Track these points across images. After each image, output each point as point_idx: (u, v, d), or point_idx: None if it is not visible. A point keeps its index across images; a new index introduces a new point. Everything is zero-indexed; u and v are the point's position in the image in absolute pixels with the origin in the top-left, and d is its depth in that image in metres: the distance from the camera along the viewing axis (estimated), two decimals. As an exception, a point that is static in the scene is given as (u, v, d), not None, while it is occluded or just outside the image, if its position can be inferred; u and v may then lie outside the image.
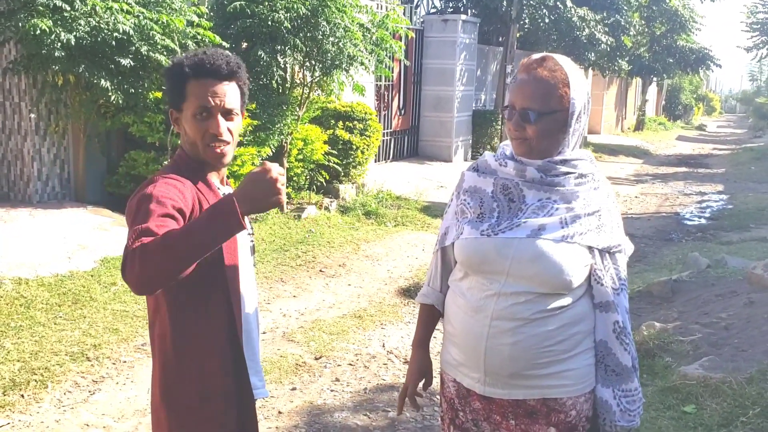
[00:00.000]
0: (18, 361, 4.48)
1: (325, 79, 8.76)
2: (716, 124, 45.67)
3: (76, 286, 5.69)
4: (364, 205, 9.79)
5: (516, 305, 1.98)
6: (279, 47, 8.11)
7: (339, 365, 4.95)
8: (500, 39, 17.93)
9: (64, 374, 4.42)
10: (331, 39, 8.21)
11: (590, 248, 2.01)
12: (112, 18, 6.73)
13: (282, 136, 8.53)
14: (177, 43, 7.25)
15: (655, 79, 30.76)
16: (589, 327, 2.05)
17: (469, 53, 15.68)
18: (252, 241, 2.22)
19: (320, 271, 7.07)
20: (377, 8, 11.56)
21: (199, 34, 7.49)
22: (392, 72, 11.03)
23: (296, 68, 8.81)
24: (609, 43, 18.87)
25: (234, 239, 2.04)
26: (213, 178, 2.10)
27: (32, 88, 7.45)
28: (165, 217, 1.79)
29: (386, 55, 9.30)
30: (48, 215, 7.13)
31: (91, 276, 5.87)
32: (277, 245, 7.62)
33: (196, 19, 7.54)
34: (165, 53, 7.14)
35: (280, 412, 4.21)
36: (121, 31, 6.74)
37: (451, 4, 17.51)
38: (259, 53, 7.91)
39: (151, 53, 7.06)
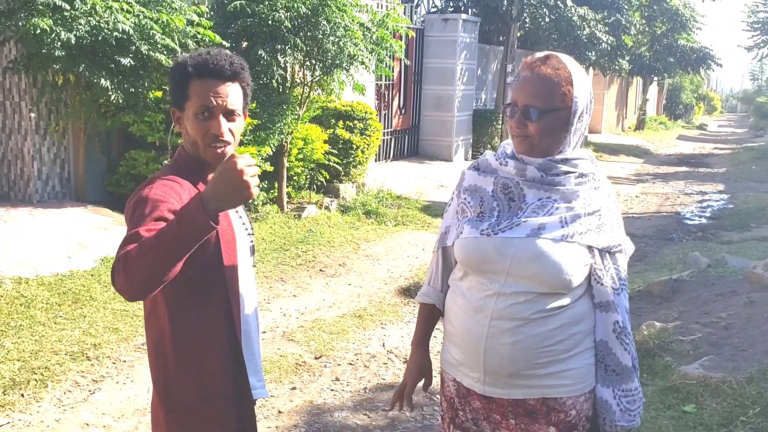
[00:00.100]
0: (18, 360, 4.49)
1: (325, 78, 8.76)
2: (717, 123, 45.64)
3: (76, 285, 5.69)
4: (365, 205, 9.79)
5: (516, 305, 1.98)
6: (279, 46, 8.10)
7: (339, 365, 4.94)
8: (501, 38, 17.92)
9: (64, 373, 4.42)
10: (331, 38, 8.20)
11: (590, 248, 2.01)
12: (112, 17, 6.73)
13: (282, 136, 8.53)
14: (177, 42, 7.25)
15: (655, 78, 30.73)
16: (589, 327, 2.04)
17: (470, 52, 15.68)
18: (252, 241, 2.21)
19: (320, 270, 7.06)
20: (377, 7, 11.55)
21: (199, 33, 7.49)
22: (392, 71, 11.02)
23: (296, 67, 8.81)
24: (609, 42, 18.85)
25: (233, 240, 2.04)
26: (213, 177, 2.09)
27: (32, 88, 7.45)
28: (159, 221, 1.80)
29: (386, 55, 9.29)
30: (48, 215, 7.13)
31: (92, 275, 5.87)
32: (277, 245, 7.62)
33: (196, 18, 7.54)
34: (165, 52, 7.14)
35: (280, 412, 4.21)
36: (121, 30, 6.74)
37: (451, 4, 17.50)
38: (260, 52, 7.91)
39: (151, 52, 7.06)
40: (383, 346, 5.34)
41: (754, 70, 54.81)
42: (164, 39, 7.07)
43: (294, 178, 9.41)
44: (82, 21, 6.67)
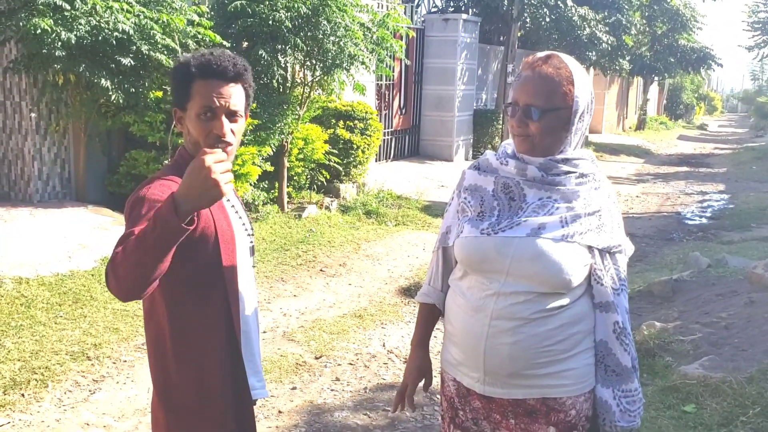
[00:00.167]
0: (18, 360, 4.49)
1: (325, 78, 8.76)
2: (718, 123, 45.63)
3: (76, 285, 5.69)
4: (365, 205, 9.79)
5: (515, 305, 1.98)
6: (280, 46, 8.10)
7: (339, 365, 4.95)
8: (501, 38, 17.92)
9: (65, 373, 4.42)
10: (331, 38, 8.20)
11: (590, 248, 2.01)
12: (113, 17, 6.73)
13: (283, 136, 8.53)
14: (177, 42, 7.25)
15: (656, 78, 30.72)
16: (589, 327, 2.04)
17: (470, 52, 15.68)
18: (252, 242, 2.21)
19: (321, 270, 7.07)
20: (378, 7, 11.56)
21: (199, 33, 7.49)
22: (393, 71, 11.03)
23: (297, 67, 8.81)
24: (610, 42, 18.85)
25: (232, 240, 2.04)
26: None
27: (33, 88, 7.45)
28: None
29: (387, 55, 9.29)
30: (48, 215, 7.13)
31: (92, 275, 5.87)
32: (277, 244, 7.62)
33: (196, 18, 7.54)
34: (165, 53, 7.15)
35: (280, 412, 4.21)
36: (121, 30, 6.74)
37: (452, 4, 17.50)
38: (260, 52, 7.91)
39: (151, 53, 7.06)
40: (383, 346, 5.34)
41: (755, 70, 54.79)
42: (164, 39, 7.07)
43: (294, 178, 9.42)
44: (83, 21, 6.68)
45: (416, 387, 2.30)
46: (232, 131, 2.03)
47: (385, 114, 13.84)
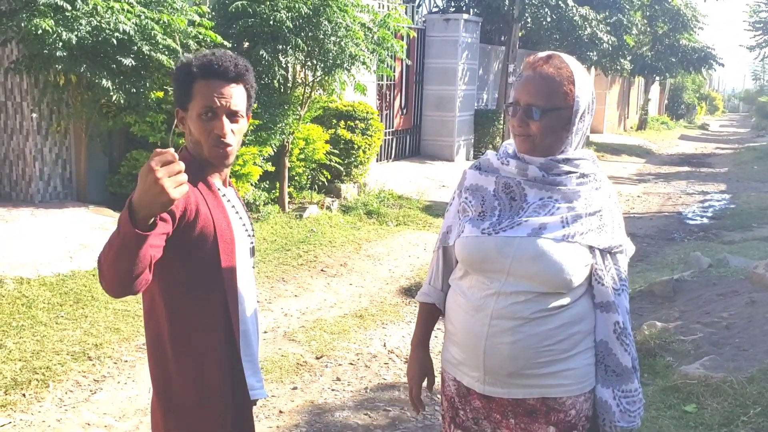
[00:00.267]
0: (20, 360, 4.49)
1: (326, 78, 8.76)
2: (719, 123, 45.61)
3: (77, 285, 5.70)
4: (366, 205, 9.79)
5: (516, 304, 1.98)
6: (280, 47, 8.11)
7: (340, 365, 4.95)
8: (502, 38, 17.92)
9: (66, 373, 4.43)
10: (332, 38, 8.21)
11: (591, 248, 2.01)
12: (114, 18, 6.73)
13: (284, 136, 8.54)
14: (178, 42, 7.26)
15: (657, 78, 30.70)
16: (589, 327, 2.04)
17: (471, 52, 15.67)
18: (252, 242, 2.22)
19: (322, 270, 7.07)
20: (379, 8, 11.56)
21: (200, 33, 7.50)
22: (394, 71, 11.04)
23: (298, 68, 8.81)
24: (611, 42, 18.84)
25: (231, 240, 2.04)
26: (215, 179, 2.10)
27: (34, 88, 7.46)
28: None
29: (388, 55, 9.30)
30: (50, 215, 7.14)
31: (93, 275, 5.87)
32: (278, 245, 7.63)
33: (197, 18, 7.55)
34: (166, 53, 7.15)
35: (281, 412, 4.21)
36: (122, 30, 6.74)
37: (453, 4, 17.49)
38: (261, 53, 7.91)
39: (152, 53, 7.06)
40: (384, 346, 5.35)
41: (756, 69, 54.80)
42: (165, 39, 7.08)
43: (295, 178, 9.42)
44: (84, 21, 6.68)
45: (421, 387, 2.31)
46: (233, 131, 2.03)
47: (386, 114, 13.84)
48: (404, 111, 14.82)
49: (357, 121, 10.36)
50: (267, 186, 8.81)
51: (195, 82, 2.00)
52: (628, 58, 22.95)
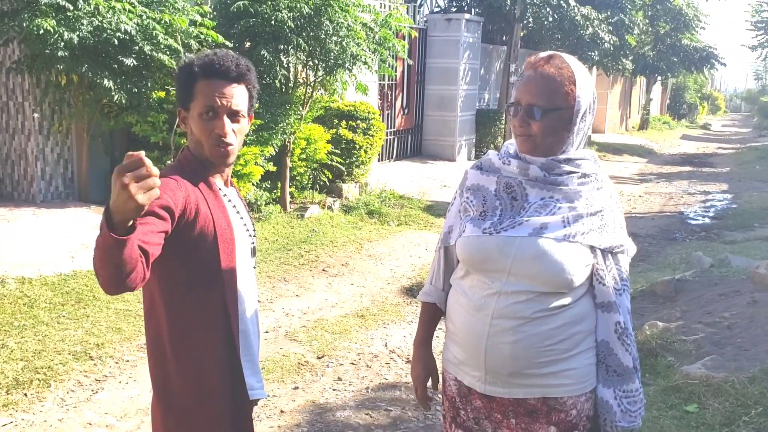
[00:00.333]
0: (21, 360, 4.50)
1: (328, 78, 8.76)
2: (721, 123, 45.57)
3: (79, 285, 5.71)
4: (367, 205, 9.79)
5: (517, 304, 1.98)
6: (282, 47, 8.11)
7: (341, 364, 4.95)
8: (504, 38, 17.91)
9: (67, 373, 4.43)
10: (334, 38, 8.21)
11: (592, 248, 2.01)
12: (115, 18, 6.74)
13: (285, 136, 8.54)
14: (180, 42, 7.26)
15: (659, 78, 30.69)
16: (590, 327, 2.04)
17: (473, 52, 15.67)
18: (253, 242, 2.22)
19: (323, 270, 7.07)
20: (380, 7, 11.56)
21: (202, 33, 7.50)
22: (395, 71, 11.04)
23: (299, 67, 8.82)
24: (613, 42, 18.83)
25: (231, 240, 2.04)
26: (216, 178, 2.10)
27: (36, 88, 7.46)
28: (146, 215, 1.79)
29: (389, 55, 9.30)
30: (51, 214, 7.15)
31: (94, 275, 5.87)
32: (280, 244, 7.63)
33: (199, 18, 7.55)
34: (168, 53, 7.15)
35: (282, 411, 4.22)
36: (123, 30, 6.74)
37: (454, 3, 17.48)
38: (262, 53, 7.91)
39: (154, 53, 7.07)
40: (386, 345, 5.35)
41: (758, 69, 54.80)
42: (167, 39, 7.08)
43: (297, 178, 9.42)
44: (85, 21, 6.68)
45: (426, 387, 2.31)
46: (234, 131, 2.03)
47: (388, 114, 13.84)
48: (406, 111, 14.82)
49: (358, 121, 10.36)
50: (268, 186, 8.81)
51: (196, 82, 2.01)
52: (630, 58, 22.94)
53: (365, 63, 8.63)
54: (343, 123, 10.21)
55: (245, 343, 2.11)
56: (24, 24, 6.53)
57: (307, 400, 4.38)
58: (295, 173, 9.32)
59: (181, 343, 2.02)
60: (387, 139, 13.61)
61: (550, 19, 16.72)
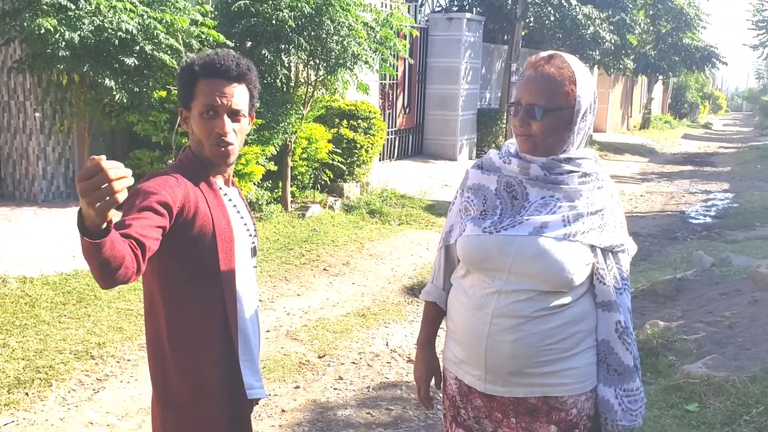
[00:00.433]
0: (23, 359, 4.50)
1: (329, 77, 8.76)
2: (722, 122, 45.55)
3: (80, 284, 5.71)
4: (369, 204, 9.79)
5: (517, 303, 1.98)
6: (283, 46, 8.11)
7: (342, 364, 4.95)
8: (505, 37, 17.91)
9: (69, 372, 4.44)
10: (335, 38, 8.21)
11: (592, 247, 2.01)
12: (116, 17, 6.74)
13: (286, 135, 8.54)
14: (181, 42, 7.27)
15: (660, 77, 30.68)
16: (591, 326, 2.04)
17: (474, 51, 15.67)
18: (254, 242, 2.22)
19: (324, 269, 7.07)
20: (381, 7, 11.56)
21: (203, 33, 7.50)
22: (397, 71, 11.03)
23: (300, 67, 8.82)
24: (614, 41, 18.83)
25: (231, 240, 2.05)
26: (217, 178, 2.11)
27: (37, 87, 7.47)
28: (145, 210, 1.80)
29: (390, 54, 9.30)
30: (53, 214, 7.16)
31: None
32: (281, 244, 7.63)
33: (200, 18, 7.55)
34: (169, 52, 7.16)
35: (283, 410, 4.22)
36: (125, 30, 6.75)
37: (455, 3, 17.48)
38: (264, 52, 7.92)
39: (155, 52, 7.07)
40: (387, 345, 5.35)
41: (760, 68, 54.74)
42: (168, 39, 7.09)
43: (298, 177, 9.43)
44: (86, 21, 6.69)
45: (429, 387, 2.31)
46: (235, 131, 2.04)
47: (389, 113, 13.84)
48: (407, 110, 14.82)
49: (360, 121, 10.37)
50: (270, 185, 8.81)
51: (197, 82, 2.02)
52: (631, 57, 22.95)
53: (366, 62, 8.63)
54: (345, 122, 10.21)
55: (244, 343, 2.11)
56: (25, 23, 6.54)
57: (308, 399, 4.38)
58: (297, 173, 9.32)
59: (180, 342, 2.03)
60: (388, 139, 13.61)
61: (552, 18, 16.72)
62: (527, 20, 17.03)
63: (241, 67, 2.04)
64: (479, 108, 16.31)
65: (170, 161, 7.19)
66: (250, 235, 2.19)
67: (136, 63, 7.05)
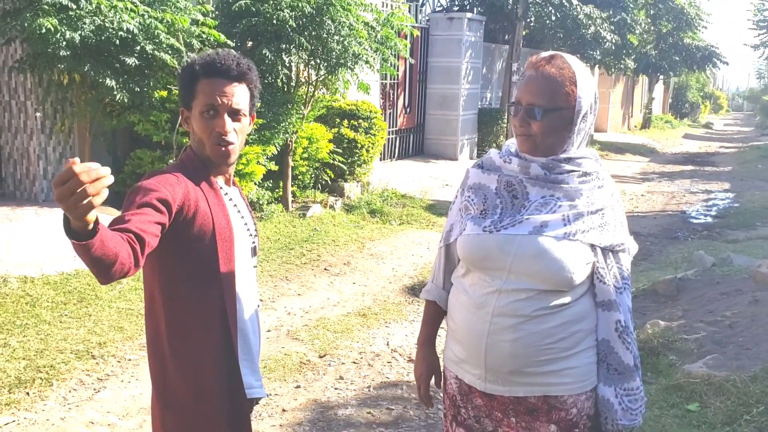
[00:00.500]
0: (23, 359, 4.51)
1: (330, 77, 8.77)
2: (723, 122, 45.53)
3: (81, 284, 5.71)
4: (369, 204, 9.80)
5: (517, 302, 1.98)
6: (284, 46, 8.11)
7: (343, 363, 4.95)
8: (506, 37, 17.91)
9: (70, 372, 4.44)
10: (336, 37, 8.21)
11: (593, 246, 2.01)
12: (117, 17, 6.74)
13: (287, 135, 8.55)
14: (182, 42, 7.26)
15: (661, 77, 30.68)
16: (591, 325, 2.04)
17: (475, 51, 15.67)
18: (254, 242, 2.22)
19: (325, 269, 7.07)
20: (382, 6, 11.56)
21: (204, 32, 7.50)
22: (397, 70, 11.02)
23: (301, 67, 8.82)
24: (615, 41, 18.83)
25: (230, 239, 2.05)
26: (218, 178, 2.11)
27: (38, 87, 7.47)
28: (144, 207, 1.81)
29: (391, 54, 9.30)
30: (54, 214, 7.16)
31: (97, 274, 5.88)
32: (282, 243, 7.63)
33: (201, 17, 7.55)
34: (170, 52, 7.15)
35: (284, 410, 4.22)
36: (125, 30, 6.75)
37: (456, 2, 17.49)
38: (264, 52, 7.92)
39: (156, 52, 7.07)
40: (387, 344, 5.35)
41: (761, 68, 54.63)
42: (169, 38, 7.08)
43: (299, 177, 9.43)
44: (87, 20, 6.68)
45: (429, 386, 2.31)
46: (235, 130, 2.04)
47: (390, 113, 13.84)
48: (408, 110, 14.82)
49: (360, 120, 10.37)
50: (270, 185, 8.82)
51: (198, 81, 2.02)
52: (632, 57, 22.95)
53: (367, 62, 8.63)
54: (345, 122, 10.21)
55: (243, 342, 2.12)
56: (26, 23, 6.53)
57: (308, 399, 4.39)
58: (297, 172, 9.32)
59: (180, 341, 2.03)
60: (389, 138, 13.61)
61: (553, 18, 16.73)
62: (528, 20, 17.03)
63: (242, 66, 2.05)
64: (480, 108, 16.32)
65: (171, 161, 7.19)
66: (251, 235, 2.19)
67: (137, 63, 7.05)
